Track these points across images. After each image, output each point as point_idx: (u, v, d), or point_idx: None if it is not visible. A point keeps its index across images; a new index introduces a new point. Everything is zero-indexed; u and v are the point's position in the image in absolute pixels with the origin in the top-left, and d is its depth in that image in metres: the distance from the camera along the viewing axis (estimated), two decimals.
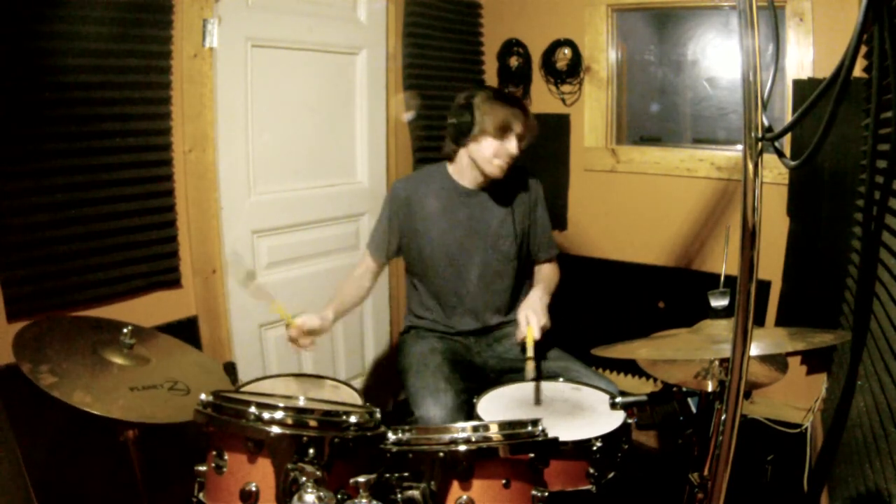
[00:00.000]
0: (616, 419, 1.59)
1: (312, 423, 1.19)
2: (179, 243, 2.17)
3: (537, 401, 1.76)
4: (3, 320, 1.74)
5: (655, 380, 2.60)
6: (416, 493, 1.20)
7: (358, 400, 1.74)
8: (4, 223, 1.74)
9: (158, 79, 2.03)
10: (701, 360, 1.53)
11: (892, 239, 1.59)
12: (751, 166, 0.91)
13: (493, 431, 1.26)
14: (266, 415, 1.17)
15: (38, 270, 1.81)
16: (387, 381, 3.05)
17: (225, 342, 2.37)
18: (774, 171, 2.46)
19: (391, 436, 1.27)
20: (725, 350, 1.29)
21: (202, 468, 1.25)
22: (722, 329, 1.44)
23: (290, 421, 1.18)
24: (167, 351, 1.73)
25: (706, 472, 1.18)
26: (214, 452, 1.22)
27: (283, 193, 2.52)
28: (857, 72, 2.07)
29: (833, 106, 0.74)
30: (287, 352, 2.58)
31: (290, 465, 1.14)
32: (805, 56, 2.39)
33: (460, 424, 1.28)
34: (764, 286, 2.52)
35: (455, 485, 1.23)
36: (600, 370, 2.33)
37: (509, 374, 2.03)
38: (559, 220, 3.08)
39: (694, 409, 1.51)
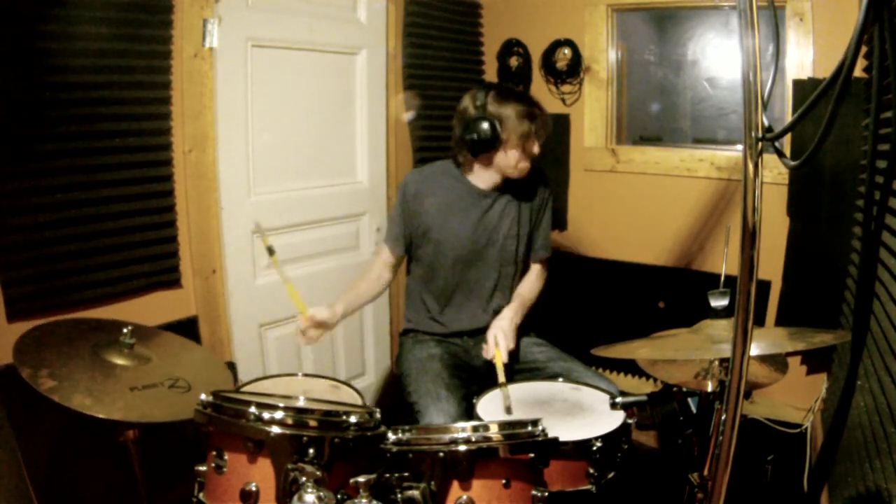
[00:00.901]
0: (616, 419, 1.59)
1: (312, 423, 1.19)
2: (179, 243, 2.17)
3: (508, 410, 1.74)
4: (3, 320, 1.74)
5: (655, 380, 2.59)
6: (416, 493, 1.20)
7: (358, 400, 1.74)
8: (4, 223, 1.74)
9: (158, 79, 2.04)
10: (701, 360, 1.53)
11: (892, 239, 1.59)
12: (751, 166, 0.91)
13: (493, 431, 1.26)
14: (266, 415, 1.17)
15: (39, 270, 1.81)
16: (387, 382, 3.05)
17: (225, 342, 2.37)
18: (774, 171, 2.46)
19: (391, 436, 1.27)
20: (725, 350, 1.29)
21: (202, 468, 1.25)
22: (722, 329, 1.44)
23: (290, 421, 1.18)
24: (169, 349, 1.73)
25: (706, 472, 1.18)
26: (214, 452, 1.22)
27: (283, 193, 2.52)
28: (857, 72, 2.07)
29: (833, 106, 0.74)
30: (287, 352, 2.59)
31: (290, 465, 1.14)
32: (805, 56, 2.39)
33: (460, 424, 1.28)
34: (764, 286, 2.52)
35: (455, 485, 1.23)
36: (600, 370, 2.33)
37: (507, 375, 2.03)
38: (559, 220, 3.08)
39: (694, 409, 1.51)
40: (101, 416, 1.34)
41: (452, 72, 3.06)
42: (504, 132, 1.89)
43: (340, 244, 2.78)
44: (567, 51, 2.96)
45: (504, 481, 1.25)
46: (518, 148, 1.92)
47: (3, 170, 1.72)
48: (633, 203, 2.92)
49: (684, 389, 1.49)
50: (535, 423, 1.30)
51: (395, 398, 3.01)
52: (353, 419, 1.23)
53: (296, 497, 1.09)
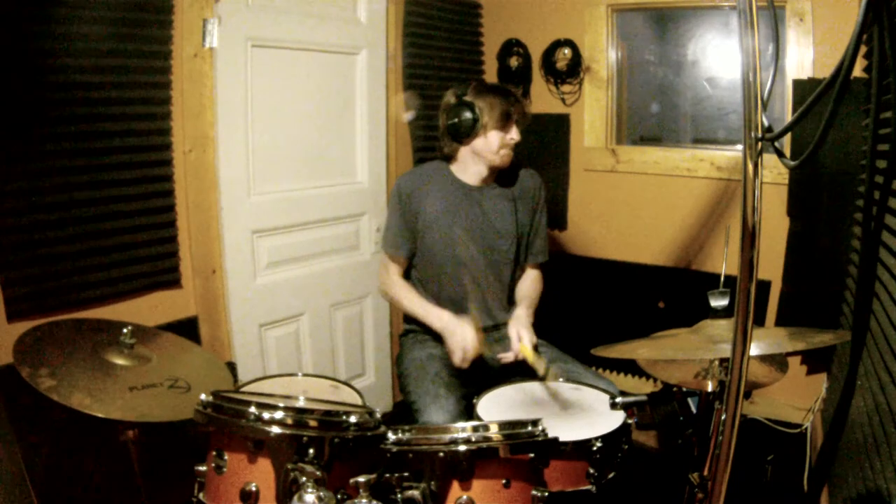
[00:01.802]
0: (616, 419, 1.59)
1: (312, 423, 1.19)
2: (179, 243, 2.17)
3: (540, 401, 1.75)
4: (3, 320, 1.74)
5: (655, 380, 2.59)
6: (416, 493, 1.20)
7: (358, 400, 1.74)
8: (4, 223, 1.74)
9: (158, 79, 2.04)
10: (701, 360, 1.53)
11: (892, 239, 1.59)
12: (751, 166, 0.91)
13: (493, 431, 1.26)
14: (266, 415, 1.17)
15: (38, 270, 1.81)
16: (387, 382, 3.05)
17: (225, 342, 2.37)
18: (774, 171, 2.46)
19: (391, 436, 1.27)
20: (725, 350, 1.29)
21: (202, 468, 1.25)
22: (722, 329, 1.44)
23: (290, 421, 1.18)
24: (169, 349, 1.73)
25: (706, 472, 1.18)
26: (214, 452, 1.22)
27: (283, 193, 2.52)
28: (857, 72, 2.07)
29: (833, 106, 0.74)
30: (287, 352, 2.59)
31: (290, 465, 1.14)
32: (805, 56, 2.39)
33: (460, 424, 1.28)
34: (764, 286, 2.52)
35: (455, 485, 1.23)
36: (600, 370, 2.33)
37: (507, 374, 2.03)
38: (559, 220, 3.08)
39: (694, 409, 1.51)
40: (99, 415, 1.34)
41: (452, 72, 3.06)
42: (483, 116, 1.95)
43: (340, 244, 2.78)
44: (567, 51, 2.96)
45: (504, 481, 1.25)
46: (497, 131, 1.97)
47: (3, 170, 1.72)
48: (633, 203, 2.92)
49: (684, 389, 1.49)
50: (535, 423, 1.30)
51: (395, 398, 3.02)
52: (353, 419, 1.23)
53: (296, 497, 1.09)
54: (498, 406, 1.74)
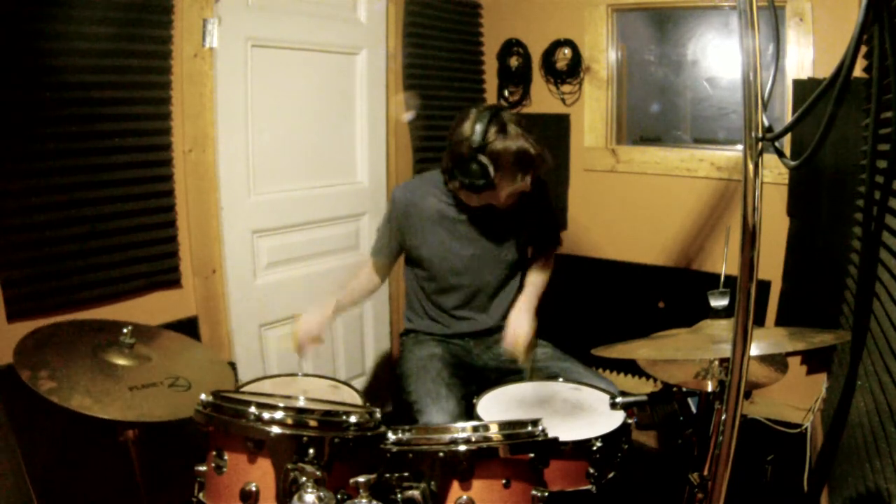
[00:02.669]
0: (616, 419, 1.59)
1: (312, 423, 1.19)
2: (179, 243, 2.17)
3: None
4: (3, 320, 1.74)
5: (655, 380, 2.59)
6: (416, 493, 1.20)
7: (358, 400, 1.74)
8: (4, 223, 1.74)
9: (158, 79, 2.03)
10: (701, 360, 1.53)
11: (892, 239, 1.59)
12: (751, 166, 0.91)
13: (493, 431, 1.26)
14: (266, 415, 1.17)
15: (39, 270, 1.81)
16: (387, 382, 3.05)
17: (225, 342, 2.37)
18: (774, 171, 2.46)
19: (391, 436, 1.27)
20: (725, 350, 1.29)
21: (202, 468, 1.25)
22: (722, 329, 1.44)
23: (290, 421, 1.18)
24: (169, 348, 1.73)
25: (706, 472, 1.18)
26: (214, 452, 1.22)
27: (283, 193, 2.52)
28: (857, 72, 2.07)
29: (833, 106, 0.74)
30: (287, 352, 2.59)
31: (290, 465, 1.14)
32: (805, 56, 2.39)
33: (460, 424, 1.28)
34: (764, 286, 2.52)
35: (455, 485, 1.23)
36: (600, 370, 2.33)
37: (509, 374, 2.03)
38: (559, 220, 3.07)
39: (694, 409, 1.51)
40: (100, 415, 1.34)
41: (452, 72, 3.06)
42: (496, 177, 1.81)
43: (340, 244, 2.78)
44: (567, 51, 2.96)
45: (504, 481, 1.25)
46: (508, 189, 1.87)
47: (3, 170, 1.72)
48: (633, 203, 2.92)
49: (684, 389, 1.49)
50: (535, 423, 1.30)
51: (395, 398, 3.02)
52: (353, 419, 1.23)
53: (296, 497, 1.09)
54: (498, 406, 1.74)
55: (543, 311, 2.16)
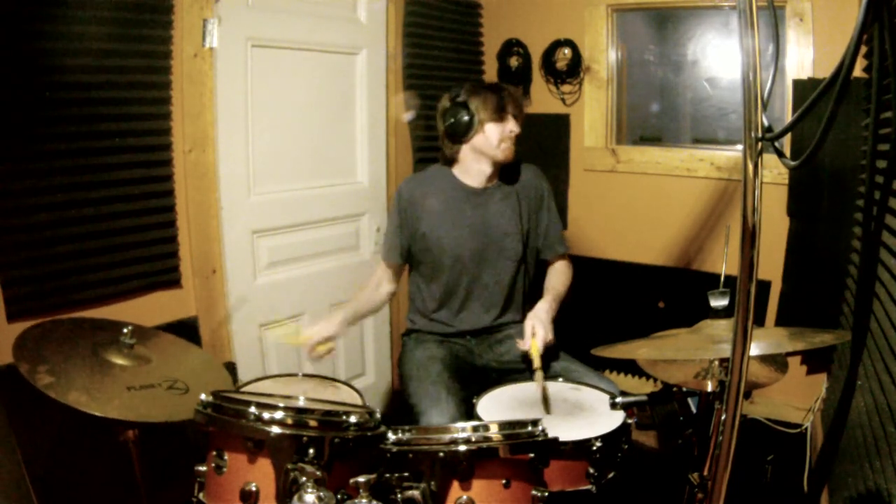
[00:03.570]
0: (616, 419, 1.59)
1: (312, 423, 1.19)
2: (179, 243, 2.17)
3: (547, 410, 1.74)
4: (3, 320, 1.74)
5: (655, 380, 2.59)
6: (416, 493, 1.20)
7: (358, 400, 1.74)
8: (4, 223, 1.74)
9: (158, 79, 2.03)
10: (701, 360, 1.53)
11: (892, 239, 1.59)
12: (751, 166, 0.91)
13: (493, 431, 1.26)
14: (266, 415, 1.17)
15: (39, 270, 1.81)
16: (387, 382, 3.05)
17: (225, 342, 2.37)
18: (774, 171, 2.46)
19: (391, 436, 1.27)
20: (725, 350, 1.29)
21: (202, 468, 1.25)
22: (722, 329, 1.44)
23: (290, 421, 1.17)
24: (169, 350, 1.72)
25: (706, 472, 1.18)
26: (214, 452, 1.22)
27: (283, 193, 2.52)
28: (857, 72, 2.07)
29: (833, 106, 0.74)
30: (287, 352, 2.59)
31: (290, 465, 1.14)
32: (805, 56, 2.39)
33: (460, 424, 1.28)
34: (764, 286, 2.52)
35: (455, 485, 1.23)
36: (600, 370, 2.33)
37: (510, 374, 2.03)
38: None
39: (694, 409, 1.51)
40: (96, 413, 1.34)
41: (452, 72, 3.06)
42: (478, 112, 1.97)
43: (340, 244, 2.78)
44: (567, 51, 2.96)
45: (504, 481, 1.24)
46: (494, 124, 1.97)
47: (3, 170, 1.72)
48: (633, 203, 2.92)
49: (684, 389, 1.49)
50: (535, 423, 1.30)
51: (395, 398, 3.02)
52: (353, 419, 1.22)
53: (296, 497, 1.09)
54: (498, 406, 1.74)
55: None
